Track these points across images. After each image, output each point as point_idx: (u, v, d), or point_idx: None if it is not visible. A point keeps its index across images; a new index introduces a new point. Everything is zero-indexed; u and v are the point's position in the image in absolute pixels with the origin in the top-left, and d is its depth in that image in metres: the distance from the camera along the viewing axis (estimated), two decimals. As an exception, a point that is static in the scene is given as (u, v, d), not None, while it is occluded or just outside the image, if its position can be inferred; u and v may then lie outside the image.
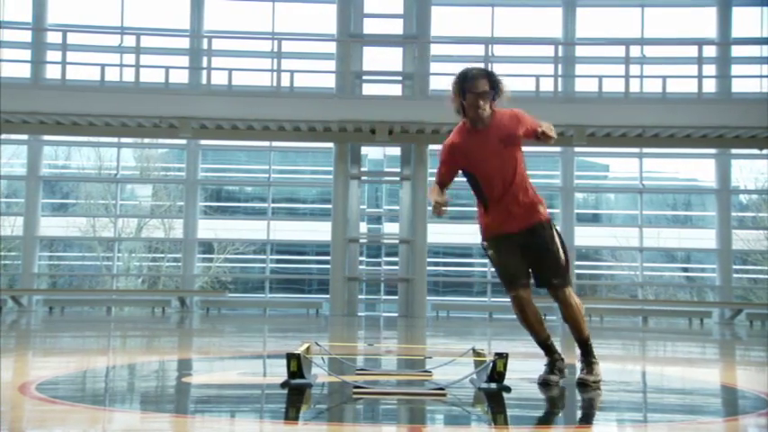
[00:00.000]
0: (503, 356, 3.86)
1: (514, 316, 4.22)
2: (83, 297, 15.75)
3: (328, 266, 15.11)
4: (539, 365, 4.37)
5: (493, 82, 4.00)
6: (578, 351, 4.27)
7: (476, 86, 3.95)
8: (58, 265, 17.02)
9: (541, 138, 3.97)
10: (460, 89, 3.99)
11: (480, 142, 4.03)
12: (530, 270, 4.15)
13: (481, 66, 4.14)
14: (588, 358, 4.17)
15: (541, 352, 4.30)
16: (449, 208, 4.03)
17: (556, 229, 4.18)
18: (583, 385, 4.06)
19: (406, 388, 4.10)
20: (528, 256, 4.10)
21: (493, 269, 4.29)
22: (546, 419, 3.60)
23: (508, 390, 3.84)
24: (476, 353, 4.41)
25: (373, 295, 15.77)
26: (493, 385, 3.88)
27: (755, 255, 16.85)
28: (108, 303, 15.34)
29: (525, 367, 5.09)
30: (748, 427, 3.35)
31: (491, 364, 3.87)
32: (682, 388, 4.89)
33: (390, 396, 3.77)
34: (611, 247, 16.60)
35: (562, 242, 4.18)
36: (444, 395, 3.72)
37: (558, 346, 4.35)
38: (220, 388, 4.24)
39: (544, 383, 4.14)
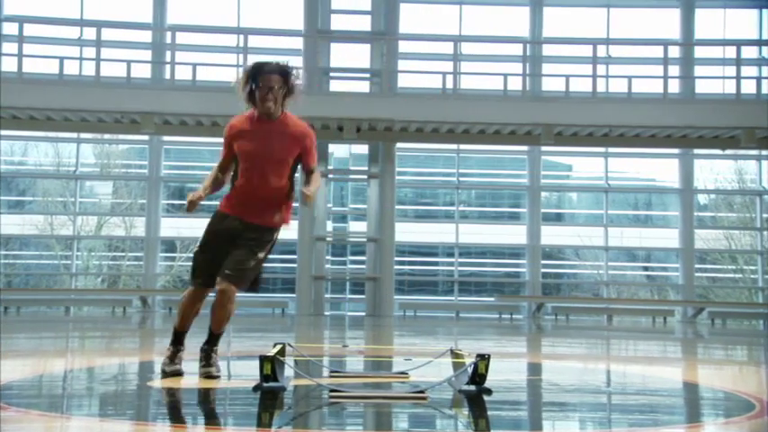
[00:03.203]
0: (485, 358, 3.74)
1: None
2: (40, 297, 15.35)
3: (293, 265, 14.92)
4: (518, 366, 4.27)
5: (287, 80, 4.04)
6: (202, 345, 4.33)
7: (268, 81, 3.99)
8: (13, 263, 16.53)
9: (303, 192, 4.09)
10: (252, 78, 4.03)
11: (260, 132, 4.09)
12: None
13: (283, 62, 4.11)
14: (211, 347, 4.28)
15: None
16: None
17: (271, 242, 4.24)
18: (209, 377, 4.17)
19: (385, 391, 3.96)
20: (233, 243, 4.14)
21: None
22: (529, 423, 3.49)
23: (489, 392, 3.73)
24: (454, 354, 4.29)
25: (339, 294, 15.62)
26: (473, 387, 3.76)
27: (714, 254, 17.12)
28: (66, 303, 14.94)
29: (502, 368, 4.99)
30: (740, 429, 3.29)
31: (473, 366, 3.75)
32: (674, 389, 4.84)
33: (369, 400, 3.63)
34: (575, 246, 16.71)
35: (261, 259, 4.20)
36: (425, 398, 3.59)
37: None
38: (187, 392, 4.05)
39: (171, 374, 4.23)
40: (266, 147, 4.06)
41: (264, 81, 3.99)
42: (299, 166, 4.23)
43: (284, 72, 4.02)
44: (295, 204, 4.42)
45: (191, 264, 4.34)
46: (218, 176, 4.21)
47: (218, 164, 4.25)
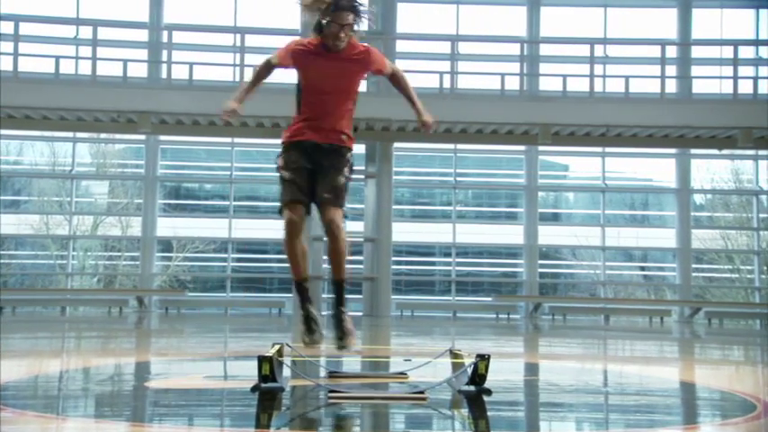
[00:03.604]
0: (485, 358, 3.71)
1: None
2: (35, 297, 15.30)
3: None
4: (516, 366, 4.24)
5: (358, 16, 3.97)
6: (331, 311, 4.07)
7: (341, 18, 3.91)
8: (9, 263, 16.46)
9: (424, 123, 4.12)
10: (324, 12, 3.94)
11: (328, 64, 4.01)
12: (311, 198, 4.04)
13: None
14: (339, 308, 4.00)
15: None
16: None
17: (351, 161, 4.13)
18: (342, 349, 3.96)
19: (385, 392, 3.93)
20: (316, 170, 4.03)
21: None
22: (529, 424, 3.47)
23: (489, 393, 3.70)
24: (453, 354, 4.26)
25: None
26: (473, 388, 3.73)
27: (711, 254, 17.13)
28: (62, 303, 14.89)
29: (500, 368, 4.96)
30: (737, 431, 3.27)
31: (472, 366, 3.72)
32: (672, 389, 4.82)
33: (368, 400, 3.60)
34: (572, 246, 16.71)
35: (348, 175, 4.10)
36: (425, 399, 3.56)
37: None
38: (185, 393, 4.02)
39: (312, 343, 3.99)
40: (333, 82, 4.02)
41: (338, 18, 3.91)
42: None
43: (357, 10, 3.96)
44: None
45: (279, 191, 4.16)
46: (263, 73, 4.13)
47: (266, 61, 4.12)
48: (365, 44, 4.14)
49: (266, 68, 4.11)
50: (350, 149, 4.12)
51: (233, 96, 4.06)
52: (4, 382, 4.18)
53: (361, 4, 3.98)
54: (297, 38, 4.24)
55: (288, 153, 4.07)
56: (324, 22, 3.92)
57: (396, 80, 4.19)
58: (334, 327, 3.98)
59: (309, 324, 3.99)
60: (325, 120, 4.03)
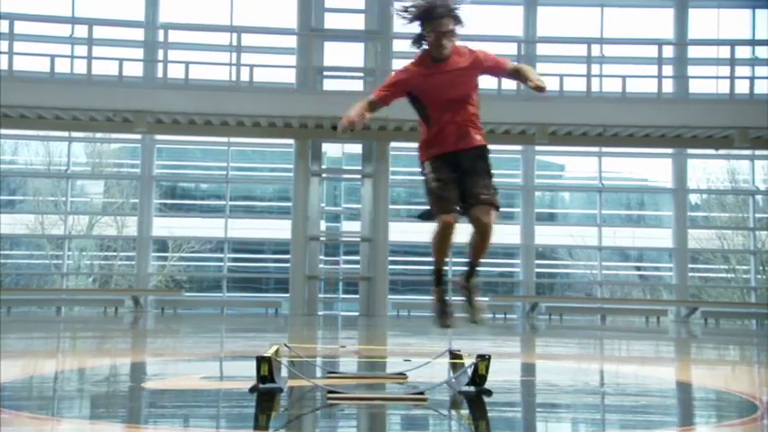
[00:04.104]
0: (485, 358, 3.69)
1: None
2: (30, 297, 15.25)
3: (286, 265, 14.87)
4: (514, 366, 4.22)
5: (457, 19, 3.88)
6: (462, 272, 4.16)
7: (441, 26, 3.84)
8: (4, 263, 16.39)
9: (532, 87, 3.90)
10: (422, 23, 3.89)
11: (437, 75, 3.94)
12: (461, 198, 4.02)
13: (446, 2, 3.93)
14: (470, 281, 4.10)
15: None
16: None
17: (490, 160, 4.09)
18: (476, 323, 4.00)
19: (384, 392, 3.90)
20: (462, 176, 4.00)
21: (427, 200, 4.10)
22: (529, 424, 3.45)
23: (489, 393, 3.68)
24: (453, 354, 4.24)
25: (332, 294, 15.56)
26: (473, 388, 3.70)
27: (707, 254, 17.14)
28: (57, 303, 14.84)
29: (499, 369, 4.94)
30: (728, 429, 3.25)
31: (473, 367, 3.69)
32: (668, 390, 4.81)
33: (368, 401, 3.58)
34: (569, 245, 16.70)
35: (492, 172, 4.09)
36: (425, 400, 3.53)
37: None
38: (182, 394, 3.98)
39: (446, 325, 4.03)
40: (452, 92, 3.95)
41: (438, 27, 3.84)
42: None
43: (453, 12, 3.86)
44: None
45: (429, 201, 4.08)
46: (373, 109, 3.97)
47: (377, 94, 3.98)
48: (467, 45, 4.03)
49: (371, 109, 3.94)
50: (488, 148, 4.08)
51: (356, 107, 3.88)
52: (-2, 382, 4.14)
53: (456, 8, 3.89)
54: (402, 67, 4.08)
55: (433, 166, 4.04)
56: (424, 33, 3.88)
57: (521, 76, 4.00)
58: (468, 304, 4.05)
59: (446, 308, 4.06)
60: (456, 128, 3.99)
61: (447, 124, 3.99)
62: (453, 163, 3.99)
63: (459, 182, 3.98)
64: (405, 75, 4.00)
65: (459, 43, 3.98)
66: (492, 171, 4.05)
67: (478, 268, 4.17)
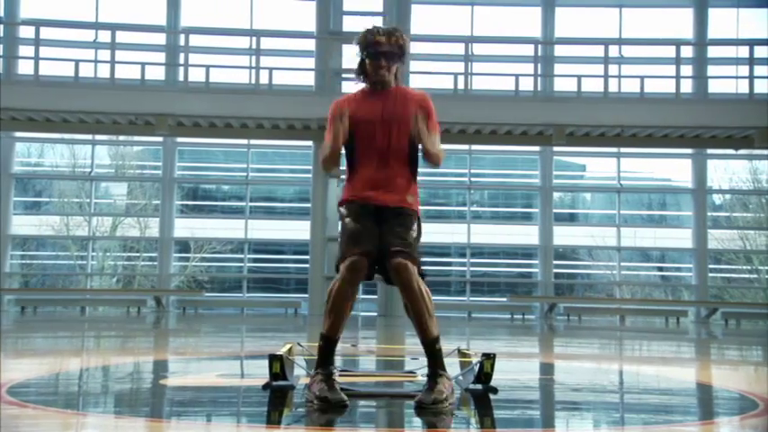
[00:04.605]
0: (490, 357, 3.78)
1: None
2: (56, 297, 15.50)
3: (306, 265, 15.01)
4: (527, 366, 4.30)
5: (400, 46, 3.62)
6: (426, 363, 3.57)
7: (380, 46, 3.59)
8: (30, 264, 16.72)
9: (425, 154, 3.57)
10: (364, 47, 3.63)
11: (374, 105, 3.62)
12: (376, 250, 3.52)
13: (392, 27, 3.70)
14: (434, 369, 3.45)
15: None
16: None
17: (418, 223, 3.64)
18: (419, 408, 3.33)
19: (392, 390, 4.01)
20: (380, 228, 3.54)
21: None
22: (534, 422, 3.54)
23: (495, 391, 3.77)
24: (461, 353, 4.34)
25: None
26: (479, 386, 3.80)
27: (729, 254, 17.02)
28: (82, 303, 15.10)
29: (510, 368, 5.03)
30: (741, 428, 3.32)
31: (478, 365, 3.79)
32: (684, 389, 4.86)
33: (376, 398, 3.69)
34: (589, 246, 16.68)
35: (417, 232, 3.62)
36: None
37: None
38: (199, 390, 4.12)
39: (337, 404, 3.36)
40: (384, 127, 3.59)
41: (377, 46, 3.58)
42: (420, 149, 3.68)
43: (394, 35, 3.61)
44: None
45: (339, 243, 3.63)
46: (333, 165, 3.68)
47: (331, 148, 3.63)
48: (424, 93, 3.74)
49: (334, 160, 3.65)
50: (415, 214, 3.63)
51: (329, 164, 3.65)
52: (26, 379, 4.31)
53: (400, 34, 3.62)
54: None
55: (348, 205, 3.64)
56: (363, 56, 3.62)
57: (428, 159, 3.66)
58: (427, 385, 3.45)
59: (332, 383, 3.44)
60: (383, 178, 3.59)
61: (372, 170, 3.59)
62: (372, 211, 3.57)
63: (377, 236, 3.51)
64: (336, 105, 3.69)
65: (412, 89, 3.75)
66: (417, 233, 3.58)
67: (438, 348, 3.49)
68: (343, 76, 15.21)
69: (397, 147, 3.62)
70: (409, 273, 3.46)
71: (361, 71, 3.68)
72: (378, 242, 3.51)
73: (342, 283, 3.49)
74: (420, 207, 3.72)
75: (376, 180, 3.60)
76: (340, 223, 3.68)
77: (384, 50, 3.59)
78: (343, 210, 3.67)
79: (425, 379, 3.51)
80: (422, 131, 3.56)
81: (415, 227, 3.60)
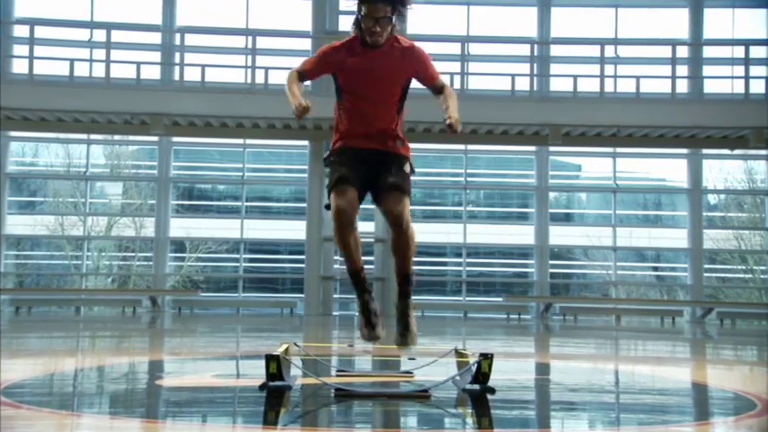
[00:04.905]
0: (488, 357, 3.78)
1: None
2: (51, 297, 15.45)
3: (302, 265, 14.99)
4: (524, 366, 4.30)
5: (395, 8, 3.63)
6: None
7: (375, 11, 3.59)
8: (25, 264, 16.66)
9: (447, 124, 3.59)
10: (360, 11, 3.64)
11: (365, 61, 3.66)
12: (365, 188, 3.68)
13: None
14: (403, 301, 3.75)
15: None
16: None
17: (411, 163, 3.77)
18: (401, 339, 3.67)
19: (389, 390, 4.00)
20: (371, 172, 3.66)
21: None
22: (532, 422, 3.53)
23: (492, 391, 3.76)
24: (458, 353, 4.33)
25: (348, 294, 15.66)
26: (477, 387, 3.79)
27: (724, 254, 17.06)
28: (77, 303, 15.05)
29: (507, 368, 5.02)
30: (741, 428, 3.31)
31: (476, 365, 3.78)
32: (679, 389, 4.86)
33: (373, 398, 3.67)
34: (584, 246, 16.69)
35: (412, 170, 3.76)
36: (428, 397, 3.63)
37: None
38: (195, 391, 4.10)
39: (372, 338, 3.67)
40: (373, 82, 3.64)
41: (372, 11, 3.58)
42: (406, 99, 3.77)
43: (395, 2, 3.60)
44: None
45: (327, 185, 3.72)
46: (294, 86, 3.63)
47: (300, 67, 3.71)
48: (414, 43, 3.78)
49: (295, 81, 3.66)
50: (407, 158, 3.74)
51: (292, 89, 3.61)
52: (20, 379, 4.29)
53: None
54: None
55: (337, 152, 3.74)
56: (360, 15, 3.62)
57: (443, 99, 3.75)
58: (398, 322, 3.72)
59: (369, 316, 3.67)
60: (371, 126, 3.68)
61: (360, 120, 3.68)
62: (363, 159, 3.66)
63: (367, 175, 3.65)
64: (328, 49, 3.73)
65: (404, 39, 3.76)
66: (411, 169, 3.72)
67: (411, 278, 3.76)
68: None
69: (386, 100, 3.70)
70: (402, 206, 3.60)
71: (358, 26, 3.69)
72: (366, 177, 3.63)
73: (337, 230, 3.64)
74: (410, 150, 3.80)
75: (364, 131, 3.68)
76: (327, 164, 3.75)
77: (378, 16, 3.60)
78: (331, 158, 3.74)
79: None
80: (450, 109, 3.63)
81: (407, 165, 3.71)
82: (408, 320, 3.70)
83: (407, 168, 3.71)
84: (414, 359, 4.67)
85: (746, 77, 13.76)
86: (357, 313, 3.73)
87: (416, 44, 3.79)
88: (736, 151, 14.78)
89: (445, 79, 3.88)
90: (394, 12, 3.62)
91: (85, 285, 15.84)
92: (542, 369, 5.69)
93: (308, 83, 3.89)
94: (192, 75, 13.80)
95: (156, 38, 15.21)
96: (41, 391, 4.16)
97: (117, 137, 15.96)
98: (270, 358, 3.73)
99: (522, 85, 14.13)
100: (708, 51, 15.52)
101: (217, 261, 16.74)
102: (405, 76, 3.75)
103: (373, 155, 3.68)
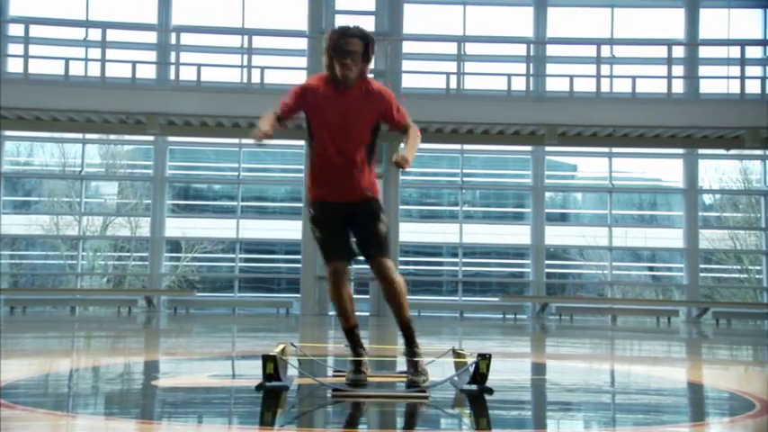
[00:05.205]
0: (486, 357, 3.76)
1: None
2: (46, 297, 15.42)
3: (298, 265, 14.97)
4: (520, 366, 4.29)
5: (366, 45, 3.78)
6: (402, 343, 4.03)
7: (348, 44, 3.75)
8: (19, 264, 16.61)
9: (394, 161, 3.76)
10: (333, 46, 3.78)
11: (335, 99, 3.83)
12: (352, 245, 4.01)
13: (360, 27, 3.85)
14: (411, 348, 3.91)
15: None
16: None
17: (381, 208, 4.02)
18: (412, 385, 3.78)
19: (386, 390, 3.99)
20: (351, 228, 3.97)
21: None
22: (530, 422, 3.52)
23: (490, 392, 3.75)
24: (456, 353, 4.32)
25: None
26: (474, 387, 3.78)
27: (719, 254, 17.10)
28: (72, 303, 15.01)
29: (505, 368, 5.01)
30: (742, 428, 3.31)
31: (474, 366, 3.77)
32: (676, 389, 4.86)
33: (371, 399, 3.66)
34: (580, 246, 16.71)
35: (386, 220, 4.03)
36: (426, 397, 3.62)
37: None
38: (191, 391, 4.09)
39: (354, 384, 3.87)
40: (343, 123, 3.81)
41: (345, 45, 3.73)
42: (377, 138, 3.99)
43: (364, 36, 3.77)
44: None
45: (318, 245, 4.03)
46: (279, 122, 3.87)
47: (279, 109, 3.90)
48: (383, 87, 3.94)
49: (271, 116, 3.86)
50: (376, 200, 3.99)
51: (266, 118, 3.83)
52: (14, 380, 4.26)
53: (368, 35, 3.79)
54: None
55: (316, 209, 3.99)
56: (332, 53, 3.76)
57: (406, 137, 3.94)
58: (408, 365, 3.91)
59: (360, 367, 3.96)
60: (341, 173, 3.86)
61: (331, 166, 3.86)
62: (338, 216, 3.92)
63: (347, 229, 3.95)
64: (303, 87, 3.93)
65: (374, 82, 3.91)
66: (381, 216, 3.96)
67: (411, 325, 3.97)
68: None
69: (356, 141, 3.87)
70: (387, 269, 3.92)
71: (330, 68, 3.85)
72: (349, 239, 3.96)
73: (332, 287, 4.00)
74: (378, 187, 4.05)
75: (335, 178, 3.89)
76: (310, 220, 4.05)
77: (351, 49, 3.75)
78: (311, 211, 4.03)
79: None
80: (406, 149, 3.86)
81: (382, 216, 3.97)
82: (417, 364, 3.89)
83: (382, 216, 3.96)
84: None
85: (742, 77, 13.78)
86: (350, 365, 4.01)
87: (384, 88, 3.94)
88: (732, 151, 14.81)
89: (411, 123, 3.99)
90: (366, 48, 3.78)
91: (81, 285, 15.80)
92: (539, 369, 5.69)
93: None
94: (187, 74, 13.77)
95: (151, 37, 15.18)
96: (36, 391, 4.14)
97: (112, 136, 15.92)
98: (267, 359, 3.72)
99: (519, 85, 14.13)
100: (704, 51, 15.56)
101: (212, 261, 16.71)
102: (373, 118, 3.89)
103: (347, 207, 3.93)
